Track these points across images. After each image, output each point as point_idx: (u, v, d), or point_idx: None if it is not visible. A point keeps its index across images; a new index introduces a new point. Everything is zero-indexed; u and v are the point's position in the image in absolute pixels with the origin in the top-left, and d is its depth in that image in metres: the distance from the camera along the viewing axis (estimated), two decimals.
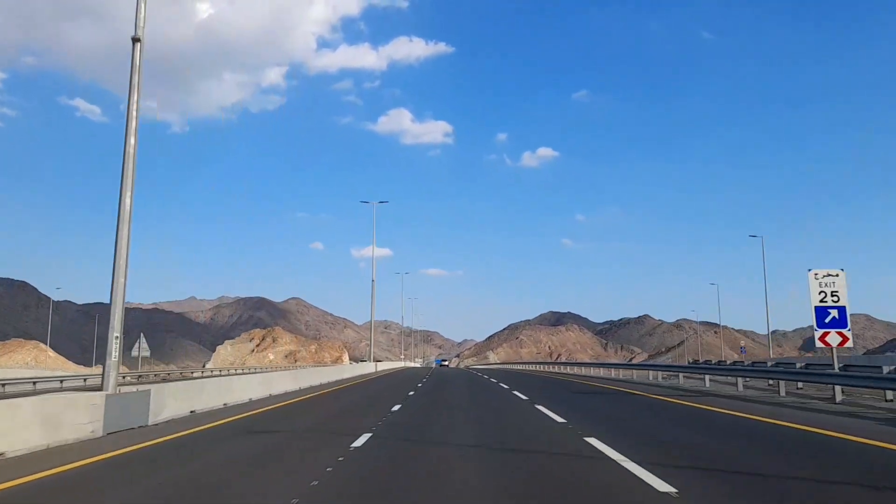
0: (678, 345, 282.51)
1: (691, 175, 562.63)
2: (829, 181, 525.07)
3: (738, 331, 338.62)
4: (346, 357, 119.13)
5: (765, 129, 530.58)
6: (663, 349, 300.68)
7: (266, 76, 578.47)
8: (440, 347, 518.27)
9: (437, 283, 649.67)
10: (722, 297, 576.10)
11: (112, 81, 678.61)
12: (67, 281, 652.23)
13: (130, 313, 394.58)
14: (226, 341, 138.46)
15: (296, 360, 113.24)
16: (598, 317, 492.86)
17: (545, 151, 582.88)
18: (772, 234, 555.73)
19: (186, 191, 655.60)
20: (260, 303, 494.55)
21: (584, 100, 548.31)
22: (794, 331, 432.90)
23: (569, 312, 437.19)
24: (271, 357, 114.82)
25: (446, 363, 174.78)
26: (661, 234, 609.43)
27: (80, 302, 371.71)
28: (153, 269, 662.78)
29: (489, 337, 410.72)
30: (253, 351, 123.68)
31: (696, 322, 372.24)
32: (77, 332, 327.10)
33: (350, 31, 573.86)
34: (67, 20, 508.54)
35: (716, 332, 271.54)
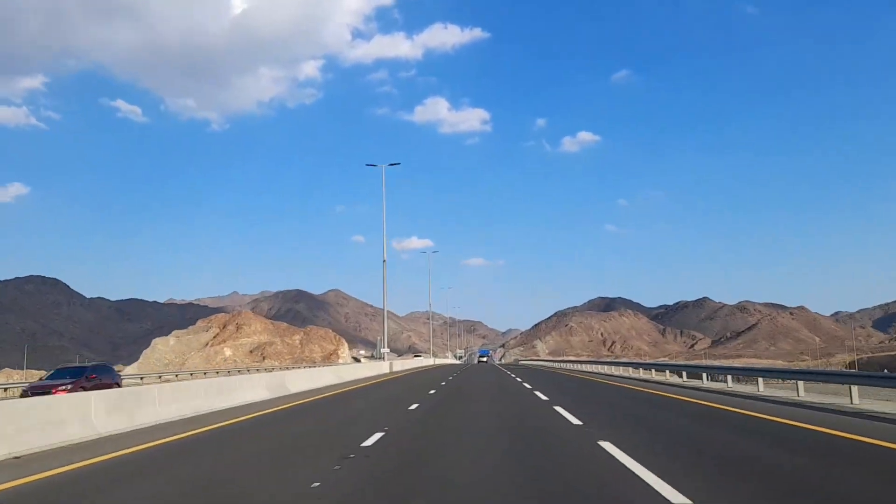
0: (749, 328, 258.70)
1: (736, 154, 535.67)
2: (872, 157, 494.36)
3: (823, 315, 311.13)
4: (344, 350, 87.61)
5: (813, 105, 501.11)
6: (728, 334, 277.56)
7: (302, 70, 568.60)
8: (484, 338, 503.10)
9: (479, 272, 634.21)
10: (774, 275, 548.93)
11: (150, 80, 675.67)
12: (102, 278, 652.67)
13: (163, 308, 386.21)
14: (173, 332, 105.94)
15: (263, 357, 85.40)
16: (650, 301, 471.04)
17: (585, 136, 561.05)
18: (822, 209, 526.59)
19: (228, 187, 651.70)
20: (299, 295, 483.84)
21: (625, 81, 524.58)
22: (859, 311, 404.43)
23: (619, 297, 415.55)
24: (228, 353, 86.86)
25: (485, 359, 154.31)
26: (709, 216, 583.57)
27: (113, 299, 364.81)
28: (196, 265, 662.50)
29: (535, 325, 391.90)
30: (208, 344, 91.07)
31: (759, 304, 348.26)
32: (110, 329, 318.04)
33: (384, 19, 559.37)
34: (104, 21, 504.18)
35: (792, 315, 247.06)
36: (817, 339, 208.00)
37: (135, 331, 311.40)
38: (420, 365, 71.44)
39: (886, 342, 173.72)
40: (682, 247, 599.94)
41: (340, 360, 76.54)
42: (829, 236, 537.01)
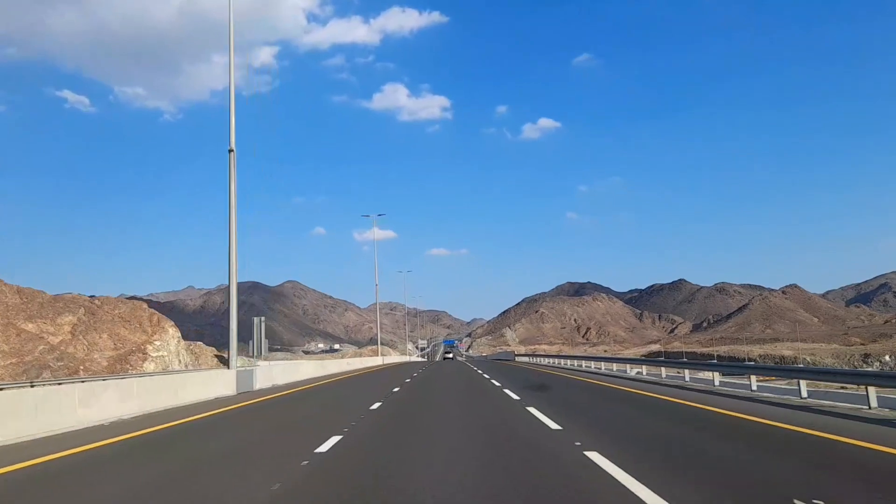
0: (739, 310, 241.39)
1: (699, 137, 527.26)
2: (835, 139, 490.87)
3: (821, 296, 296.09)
4: (167, 343, 43.09)
5: (774, 89, 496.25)
6: (711, 317, 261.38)
7: (256, 57, 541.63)
8: (449, 328, 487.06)
9: (442, 262, 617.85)
10: (745, 256, 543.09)
11: (97, 69, 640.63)
12: (48, 274, 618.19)
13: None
14: None
15: None
16: (621, 285, 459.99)
17: (546, 122, 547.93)
18: (781, 190, 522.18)
19: (182, 180, 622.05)
20: (253, 287, 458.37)
21: (586, 64, 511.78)
22: (828, 292, 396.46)
23: (588, 282, 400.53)
24: None
25: (451, 355, 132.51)
26: (676, 200, 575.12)
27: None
28: (151, 260, 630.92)
29: (503, 312, 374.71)
30: None
31: (737, 285, 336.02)
32: None
33: (340, 2, 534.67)
34: (47, 7, 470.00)
35: (784, 294, 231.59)
36: (816, 319, 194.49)
37: None
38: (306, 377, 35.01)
39: (894, 321, 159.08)
40: (649, 231, 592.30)
41: (147, 365, 37.08)
42: (796, 218, 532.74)
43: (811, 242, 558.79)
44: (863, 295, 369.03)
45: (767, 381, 29.89)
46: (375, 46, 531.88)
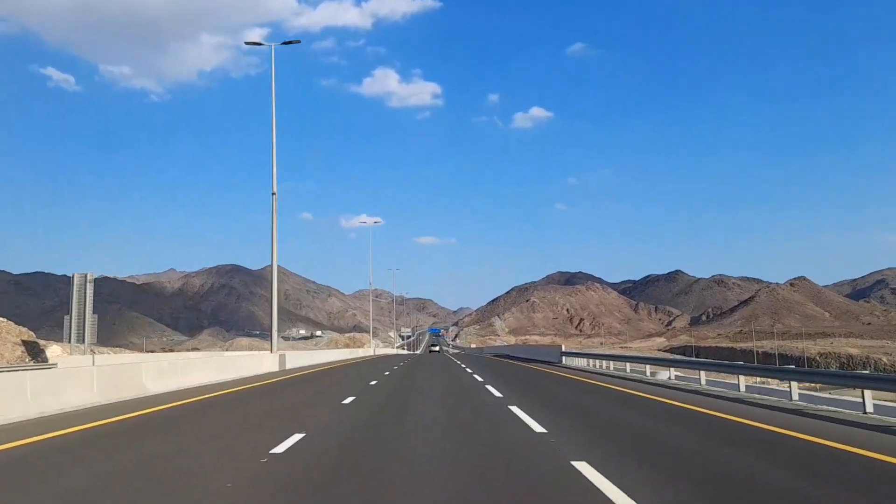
0: (744, 302, 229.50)
1: (692, 129, 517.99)
2: (830, 133, 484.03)
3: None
4: None
5: (769, 78, 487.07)
6: (711, 310, 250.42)
7: (246, 38, 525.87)
8: (435, 316, 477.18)
9: (431, 250, 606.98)
10: (741, 247, 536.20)
11: (82, 46, 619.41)
12: (14, 250, 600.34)
13: (70, 282, 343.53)
14: None
15: None
16: (613, 276, 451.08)
17: (538, 112, 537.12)
18: (777, 184, 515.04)
19: (169, 161, 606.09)
20: (233, 270, 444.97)
21: (580, 54, 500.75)
22: (823, 287, 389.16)
23: (580, 272, 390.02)
24: None
25: (436, 347, 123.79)
26: (667, 192, 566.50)
27: (16, 272, 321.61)
28: (133, 241, 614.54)
29: (492, 301, 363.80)
30: None
31: (735, 277, 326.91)
32: (10, 304, 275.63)
33: None
34: None
35: (793, 287, 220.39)
36: (827, 314, 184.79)
37: (33, 306, 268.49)
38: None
39: None
40: (643, 221, 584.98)
41: None
42: (794, 213, 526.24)
43: (808, 237, 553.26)
44: (858, 291, 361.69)
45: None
46: (367, 30, 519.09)
